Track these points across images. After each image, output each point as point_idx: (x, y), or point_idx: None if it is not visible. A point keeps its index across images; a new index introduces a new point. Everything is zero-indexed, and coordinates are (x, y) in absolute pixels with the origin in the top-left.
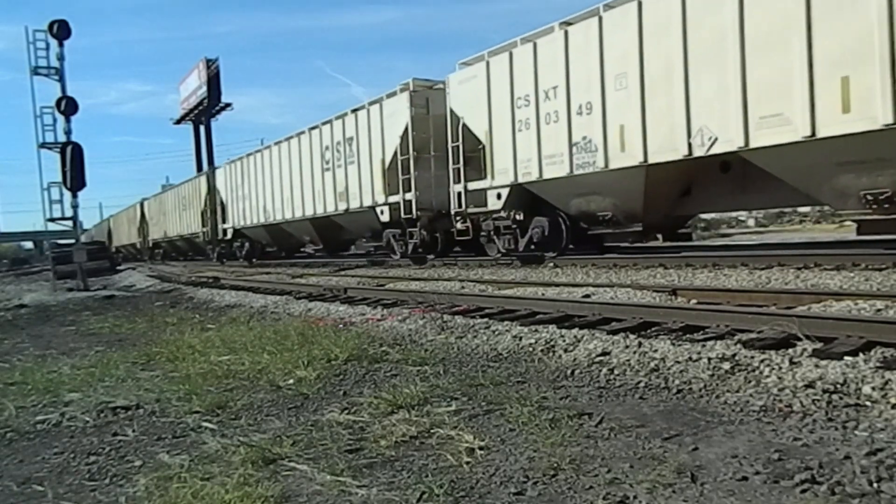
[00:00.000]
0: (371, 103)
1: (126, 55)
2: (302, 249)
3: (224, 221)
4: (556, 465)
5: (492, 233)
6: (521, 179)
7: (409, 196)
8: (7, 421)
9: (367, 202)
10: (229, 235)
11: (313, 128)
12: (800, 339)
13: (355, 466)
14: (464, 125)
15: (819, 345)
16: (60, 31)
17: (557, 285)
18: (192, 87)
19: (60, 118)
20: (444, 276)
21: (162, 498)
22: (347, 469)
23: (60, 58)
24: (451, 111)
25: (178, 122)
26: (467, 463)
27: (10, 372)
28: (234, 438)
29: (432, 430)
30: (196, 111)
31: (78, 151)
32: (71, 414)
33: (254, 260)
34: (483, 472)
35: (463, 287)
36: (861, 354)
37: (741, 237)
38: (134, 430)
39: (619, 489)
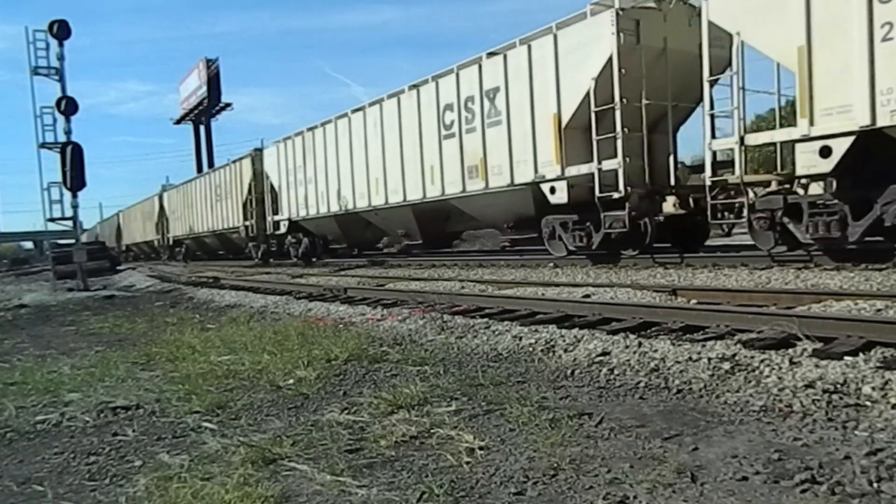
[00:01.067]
0: (537, 36)
1: (126, 55)
2: (378, 245)
3: (276, 213)
4: (556, 465)
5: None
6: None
7: (610, 164)
8: (7, 421)
9: (526, 177)
10: (282, 229)
11: (419, 84)
12: (800, 339)
13: (355, 466)
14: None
15: (819, 345)
16: (60, 31)
17: (557, 285)
18: (192, 87)
19: (60, 118)
20: (444, 276)
21: (162, 498)
22: (347, 469)
23: (60, 58)
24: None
25: (178, 122)
26: (467, 463)
27: (10, 372)
28: (234, 438)
29: (432, 430)
30: (196, 111)
31: (78, 151)
32: (71, 414)
33: (314, 259)
34: (483, 472)
35: (463, 287)
36: (861, 354)
37: (742, 237)
38: (134, 430)
39: (619, 489)
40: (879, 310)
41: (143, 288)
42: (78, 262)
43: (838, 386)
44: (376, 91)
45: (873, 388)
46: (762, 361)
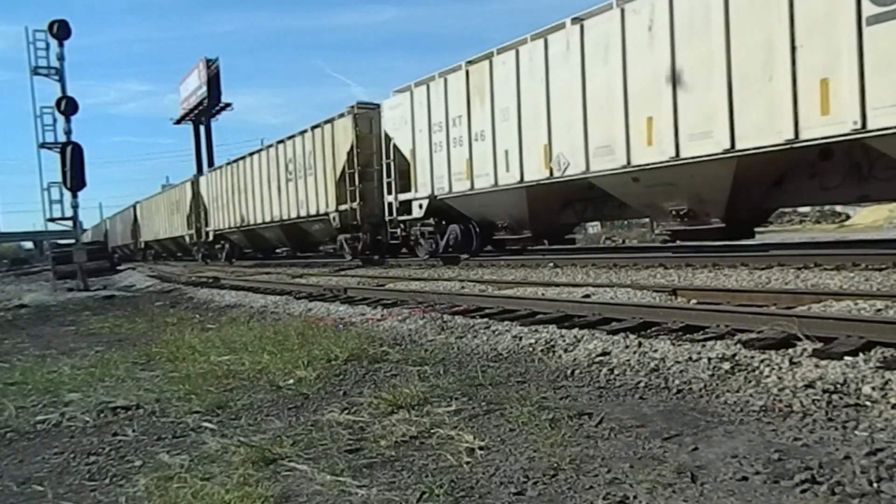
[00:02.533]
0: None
1: (125, 55)
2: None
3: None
4: (556, 465)
5: None
6: None
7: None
8: (7, 421)
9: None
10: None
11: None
12: (800, 339)
13: (355, 466)
14: None
15: (819, 345)
16: (60, 31)
17: (557, 285)
18: (192, 87)
19: (60, 118)
20: (444, 276)
21: (162, 498)
22: (347, 469)
23: (60, 58)
24: None
25: (178, 122)
26: (467, 463)
27: (10, 372)
28: (234, 438)
29: (432, 430)
30: (196, 111)
31: (78, 151)
32: (71, 414)
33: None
34: (483, 472)
35: (463, 287)
36: (861, 354)
37: (742, 243)
38: (134, 430)
39: (619, 489)
40: (879, 310)
41: (143, 288)
42: (78, 262)
43: (838, 386)
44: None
45: (873, 388)
46: (762, 361)
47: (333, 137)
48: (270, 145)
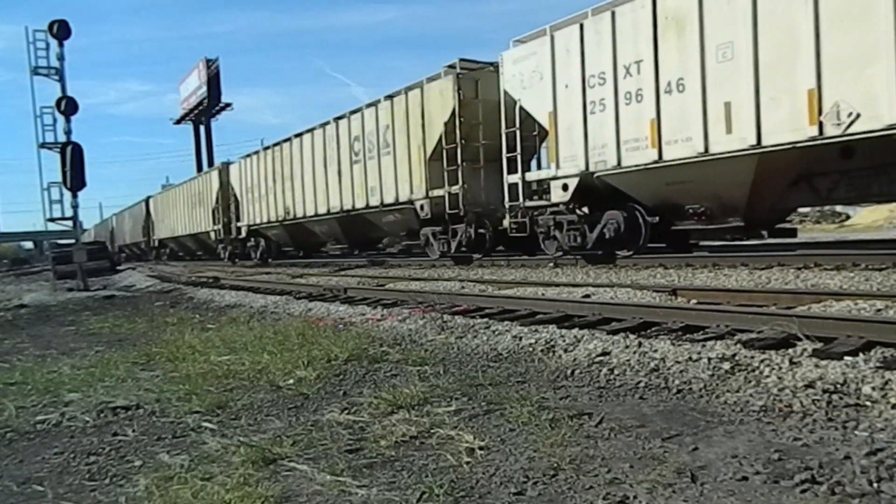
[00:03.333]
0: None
1: (125, 54)
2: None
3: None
4: (556, 465)
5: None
6: None
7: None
8: (7, 421)
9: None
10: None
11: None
12: (800, 339)
13: (355, 466)
14: None
15: (819, 345)
16: (60, 31)
17: (557, 285)
18: (192, 87)
19: (60, 118)
20: (444, 276)
21: (162, 498)
22: (347, 469)
23: (60, 58)
24: None
25: (178, 122)
26: (467, 463)
27: (10, 372)
28: (234, 438)
29: (432, 430)
30: (196, 111)
31: (78, 151)
32: (71, 414)
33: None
34: (483, 472)
35: (463, 287)
36: (861, 354)
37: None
38: (134, 430)
39: (619, 489)
40: (879, 310)
41: (142, 288)
42: (78, 262)
43: (838, 386)
44: (377, 91)
45: (873, 388)
46: (762, 361)
47: (423, 106)
48: (326, 122)
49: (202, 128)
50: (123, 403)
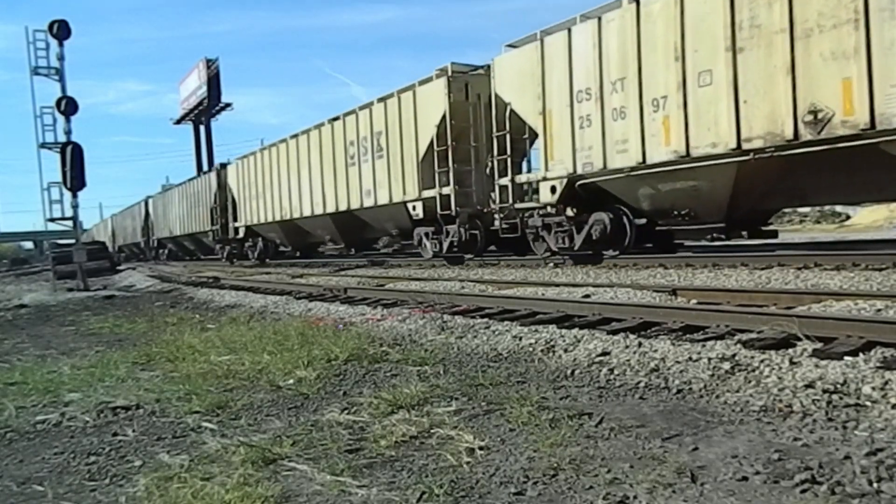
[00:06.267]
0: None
1: (125, 54)
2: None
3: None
4: (556, 465)
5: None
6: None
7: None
8: (7, 421)
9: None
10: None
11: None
12: (800, 339)
13: (355, 466)
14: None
15: (819, 345)
16: (60, 31)
17: (557, 285)
18: (192, 87)
19: (60, 118)
20: (444, 276)
21: (162, 498)
22: (347, 469)
23: (60, 58)
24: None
25: (178, 122)
26: (467, 463)
27: (10, 372)
28: (234, 438)
29: (432, 430)
30: (196, 111)
31: (78, 151)
32: (71, 414)
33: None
34: (483, 472)
35: (463, 287)
36: (861, 354)
37: (739, 240)
38: (134, 430)
39: (619, 489)
40: (879, 310)
41: (142, 288)
42: (78, 262)
43: (838, 386)
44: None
45: (873, 388)
46: (762, 361)
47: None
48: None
49: (202, 128)
50: (123, 403)
